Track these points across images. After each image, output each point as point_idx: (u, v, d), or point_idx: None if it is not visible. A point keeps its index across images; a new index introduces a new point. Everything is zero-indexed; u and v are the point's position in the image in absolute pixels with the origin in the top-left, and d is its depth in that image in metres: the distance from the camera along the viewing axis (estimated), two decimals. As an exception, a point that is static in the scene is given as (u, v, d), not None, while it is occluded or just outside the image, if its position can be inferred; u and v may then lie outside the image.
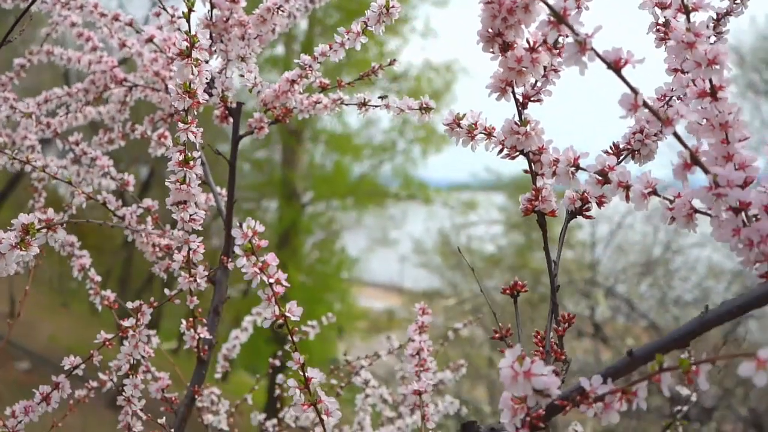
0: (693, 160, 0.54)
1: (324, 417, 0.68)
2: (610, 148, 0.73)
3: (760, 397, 6.22)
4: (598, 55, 0.53)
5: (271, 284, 0.65)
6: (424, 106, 0.88)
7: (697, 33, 0.55)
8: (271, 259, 0.66)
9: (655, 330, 6.40)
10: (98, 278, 1.15)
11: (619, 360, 0.55)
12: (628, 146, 0.72)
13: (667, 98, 0.72)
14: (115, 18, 1.14)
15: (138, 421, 0.99)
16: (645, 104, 0.53)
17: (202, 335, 1.01)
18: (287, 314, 0.66)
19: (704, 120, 0.58)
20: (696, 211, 0.57)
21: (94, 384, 1.14)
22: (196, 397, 1.03)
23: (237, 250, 0.65)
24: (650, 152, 0.72)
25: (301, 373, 0.68)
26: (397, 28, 10.60)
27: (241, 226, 0.64)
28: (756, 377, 0.42)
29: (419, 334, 1.02)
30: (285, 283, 0.66)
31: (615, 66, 0.53)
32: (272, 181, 10.93)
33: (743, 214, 0.54)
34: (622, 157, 0.72)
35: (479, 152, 0.73)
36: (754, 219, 0.55)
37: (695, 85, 0.57)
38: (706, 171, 0.53)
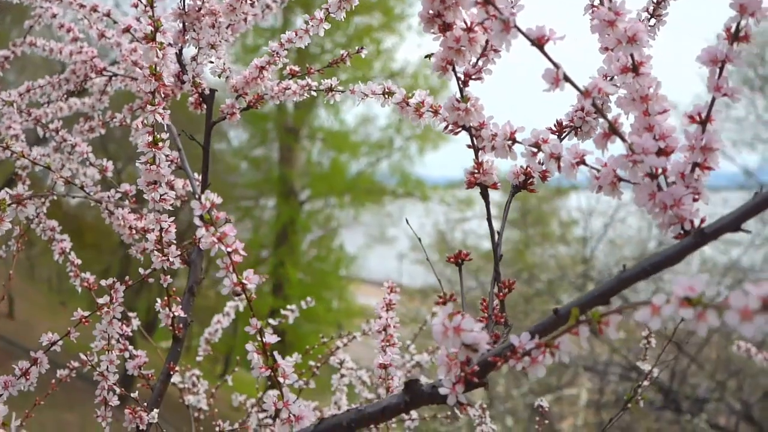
0: (612, 129, 0.58)
1: (281, 380, 0.72)
2: (554, 125, 0.76)
3: (753, 389, 6.27)
4: (522, 33, 0.56)
5: (229, 253, 0.69)
6: (387, 91, 0.92)
7: (617, 12, 0.59)
8: (229, 229, 0.70)
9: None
10: (78, 261, 1.18)
11: (545, 318, 0.59)
12: (571, 123, 0.76)
13: (608, 78, 0.76)
14: (93, 9, 1.18)
15: (114, 396, 1.03)
16: (566, 78, 0.57)
17: (176, 314, 1.05)
18: (244, 281, 0.70)
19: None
20: (620, 179, 0.61)
21: (75, 364, 1.17)
22: (172, 373, 1.06)
23: (196, 221, 0.69)
24: (591, 129, 0.75)
25: (259, 339, 0.72)
26: (393, 25, 10.64)
27: (200, 198, 0.68)
28: (651, 322, 0.45)
29: (386, 312, 1.07)
30: (242, 252, 0.70)
31: (538, 43, 0.57)
32: (270, 179, 10.97)
33: (660, 179, 0.58)
34: (564, 134, 0.76)
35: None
36: (674, 185, 0.59)
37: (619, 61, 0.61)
38: (623, 140, 0.57)
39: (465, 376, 0.60)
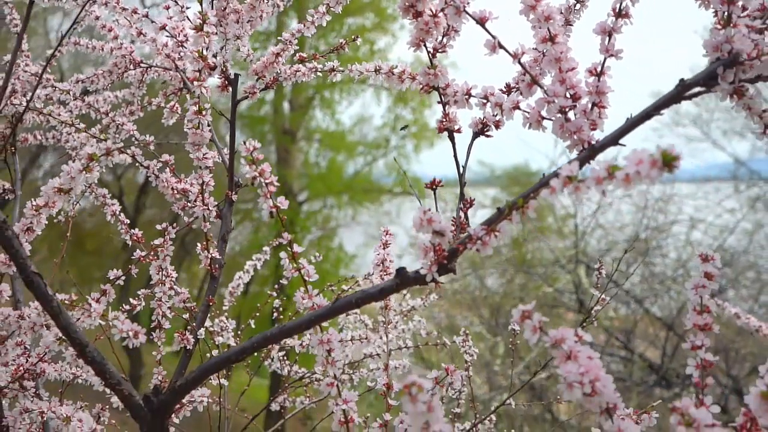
0: (533, 81, 0.83)
1: (306, 278, 0.97)
2: (504, 86, 1.01)
3: (741, 365, 6.53)
4: (470, 15, 0.81)
5: (267, 184, 0.94)
6: (377, 68, 1.17)
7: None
8: (266, 167, 0.95)
9: (639, 304, 6.73)
10: (127, 221, 1.43)
11: (492, 214, 0.84)
12: (517, 85, 1.01)
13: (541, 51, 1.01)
14: (134, 11, 1.42)
15: (166, 321, 1.28)
16: (500, 45, 0.82)
17: (213, 255, 1.30)
18: (278, 204, 0.95)
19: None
20: (543, 117, 0.86)
21: (127, 307, 1.42)
22: (211, 304, 1.31)
23: (242, 161, 0.93)
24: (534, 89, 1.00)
25: (290, 249, 0.97)
26: (386, 26, 10.91)
27: (245, 143, 0.93)
28: (551, 198, 0.70)
29: (383, 249, 1.31)
30: (276, 183, 0.95)
31: (481, 21, 0.82)
32: (268, 180, 11.17)
33: (570, 115, 0.83)
34: (512, 93, 1.01)
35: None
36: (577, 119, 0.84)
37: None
38: (541, 87, 0.82)
39: (438, 259, 0.85)
